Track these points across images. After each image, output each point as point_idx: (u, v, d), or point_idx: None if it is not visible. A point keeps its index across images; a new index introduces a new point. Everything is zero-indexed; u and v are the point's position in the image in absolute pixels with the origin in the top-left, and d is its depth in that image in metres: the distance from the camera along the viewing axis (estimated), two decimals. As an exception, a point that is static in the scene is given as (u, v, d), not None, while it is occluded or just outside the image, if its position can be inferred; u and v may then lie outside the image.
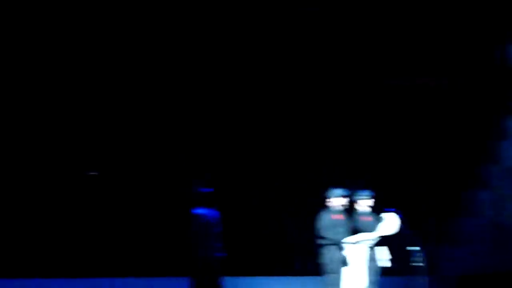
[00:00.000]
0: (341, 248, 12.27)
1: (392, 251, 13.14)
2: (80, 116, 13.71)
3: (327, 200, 12.70)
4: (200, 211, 12.45)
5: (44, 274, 11.94)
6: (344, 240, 12.29)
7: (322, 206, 12.75)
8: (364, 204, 12.76)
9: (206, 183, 12.99)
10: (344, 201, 12.65)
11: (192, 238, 12.40)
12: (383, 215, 12.63)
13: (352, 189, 12.96)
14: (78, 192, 13.57)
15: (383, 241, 12.70)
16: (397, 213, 12.84)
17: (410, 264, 12.78)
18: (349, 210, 12.86)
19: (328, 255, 12.31)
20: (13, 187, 12.55)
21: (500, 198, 18.80)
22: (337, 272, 12.23)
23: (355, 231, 12.58)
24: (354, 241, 12.26)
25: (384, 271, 12.82)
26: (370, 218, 12.77)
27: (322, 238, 12.38)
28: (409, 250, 12.73)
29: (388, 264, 12.60)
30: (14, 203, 12.47)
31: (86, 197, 13.64)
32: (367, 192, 12.75)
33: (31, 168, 12.98)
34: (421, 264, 12.64)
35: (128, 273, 13.13)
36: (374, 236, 12.41)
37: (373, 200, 12.90)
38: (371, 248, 12.50)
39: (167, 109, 14.61)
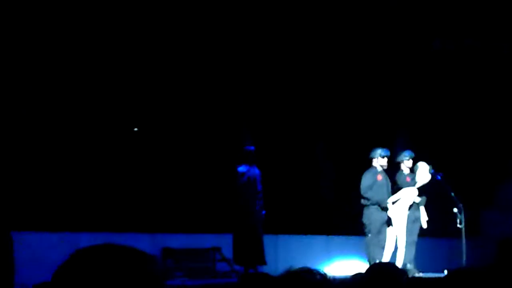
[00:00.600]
0: (382, 208, 12.29)
1: (433, 213, 13.14)
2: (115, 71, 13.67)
3: (370, 160, 12.69)
4: (242, 168, 12.51)
5: (85, 228, 12.05)
6: (386, 200, 12.30)
7: (365, 166, 12.76)
8: (406, 165, 12.73)
9: (249, 141, 13.03)
10: (386, 161, 12.64)
11: (234, 195, 12.49)
12: (417, 164, 12.60)
13: (395, 150, 12.96)
14: (118, 148, 13.61)
15: (424, 202, 12.69)
16: (441, 176, 12.81)
17: (452, 226, 12.72)
18: (391, 171, 12.87)
19: (369, 215, 12.34)
20: (51, 141, 12.60)
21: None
22: (379, 232, 12.26)
23: (396, 191, 12.59)
24: (394, 201, 12.26)
25: (423, 231, 12.83)
26: (411, 179, 12.75)
27: (365, 198, 12.40)
28: (451, 213, 12.66)
29: (425, 225, 12.59)
30: (54, 158, 12.53)
31: (127, 153, 13.68)
32: (409, 153, 12.70)
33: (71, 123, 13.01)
34: (461, 226, 12.57)
35: (170, 229, 13.23)
36: (412, 192, 12.37)
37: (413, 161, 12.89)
38: (411, 208, 12.49)
39: (210, 62, 14.56)
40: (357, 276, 4.88)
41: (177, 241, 13.19)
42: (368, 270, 4.72)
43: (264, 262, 12.29)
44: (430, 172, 12.49)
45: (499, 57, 18.53)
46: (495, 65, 18.38)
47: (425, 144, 14.97)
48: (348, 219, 14.22)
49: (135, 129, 14.24)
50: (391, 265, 4.76)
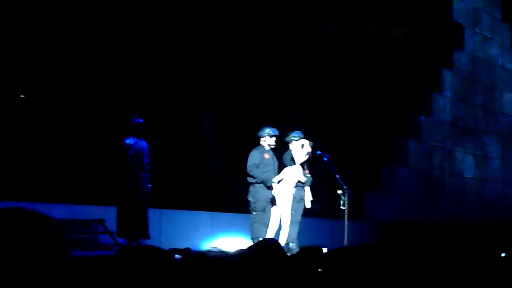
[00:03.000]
0: (268, 187, 12.34)
1: (318, 194, 13.29)
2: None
3: (258, 138, 12.71)
4: (130, 140, 12.36)
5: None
6: (270, 179, 12.34)
7: (253, 144, 12.78)
8: (295, 145, 12.78)
9: (137, 114, 12.89)
10: (274, 140, 12.68)
11: (120, 168, 12.33)
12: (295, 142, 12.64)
13: (285, 129, 13.01)
14: (3, 114, 13.26)
15: (310, 182, 12.80)
16: (327, 157, 12.94)
17: (337, 207, 12.89)
18: (279, 150, 12.92)
19: (255, 193, 12.38)
20: None
21: (429, 149, 19.09)
22: (263, 211, 12.32)
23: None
24: (279, 180, 12.31)
25: (307, 211, 12.96)
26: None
27: (251, 176, 12.43)
28: (336, 194, 12.81)
29: (309, 205, 12.69)
30: None
31: (12, 120, 13.35)
32: (298, 134, 12.75)
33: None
34: (344, 208, 12.74)
35: (53, 199, 12.97)
36: (296, 170, 12.43)
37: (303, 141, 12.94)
38: (297, 188, 12.56)
39: (95, 31, 14.31)
40: (242, 252, 4.87)
41: (60, 211, 12.93)
42: (253, 246, 4.72)
43: (147, 236, 12.21)
44: (310, 145, 12.50)
45: (388, 42, 18.88)
46: (385, 50, 18.71)
47: (315, 125, 15.10)
48: (234, 197, 14.25)
49: (22, 95, 13.89)
50: (275, 242, 4.76)
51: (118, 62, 14.43)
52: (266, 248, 4.71)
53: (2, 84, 13.40)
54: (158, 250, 3.40)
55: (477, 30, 20.90)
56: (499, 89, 21.39)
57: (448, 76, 19.76)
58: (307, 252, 4.96)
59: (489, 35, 21.30)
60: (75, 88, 14.06)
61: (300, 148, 12.38)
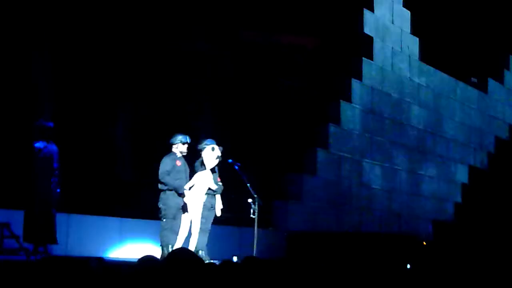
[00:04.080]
0: (179, 194, 12.29)
1: (229, 202, 13.30)
2: None
3: (170, 145, 12.67)
4: (39, 144, 12.14)
5: None
6: (182, 186, 12.30)
7: (164, 151, 12.72)
8: (205, 152, 12.74)
9: (46, 117, 12.67)
10: (186, 147, 12.65)
11: (29, 172, 12.10)
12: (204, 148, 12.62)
13: (199, 137, 12.99)
14: None
15: (221, 190, 12.80)
16: (238, 165, 12.96)
17: (247, 215, 12.92)
18: (190, 157, 12.89)
19: (166, 200, 12.33)
20: None
21: (337, 159, 19.29)
22: (174, 218, 12.27)
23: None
24: (190, 186, 12.28)
25: (217, 219, 12.96)
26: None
27: (162, 183, 12.37)
28: (246, 202, 12.84)
29: (220, 213, 12.70)
30: None
31: None
32: (210, 141, 12.73)
33: None
34: (254, 216, 12.78)
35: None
36: (206, 176, 12.40)
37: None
38: (208, 196, 12.55)
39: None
40: (149, 261, 4.75)
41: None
42: (168, 256, 4.67)
43: (55, 241, 12.01)
44: (219, 157, 12.50)
45: (298, 52, 19.05)
46: (294, 59, 18.87)
47: (225, 133, 15.11)
48: (143, 203, 14.15)
49: None
50: (189, 251, 4.72)
51: (28, 64, 14.16)
52: (181, 257, 4.67)
53: None
54: (74, 260, 3.35)
55: (387, 43, 21.26)
56: (407, 102, 21.79)
57: (357, 87, 20.01)
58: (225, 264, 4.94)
59: (398, 49, 21.70)
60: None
61: (210, 152, 12.35)
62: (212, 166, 12.41)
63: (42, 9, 14.44)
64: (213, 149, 12.39)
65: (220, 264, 5.03)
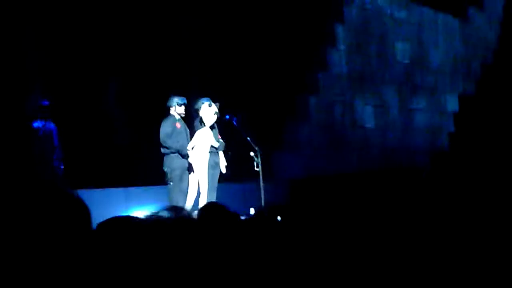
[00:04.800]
0: (183, 156, 12.35)
1: (231, 157, 13.36)
2: None
3: (167, 108, 12.69)
4: (37, 123, 12.15)
5: None
6: (185, 147, 12.36)
7: (162, 114, 12.74)
8: (203, 110, 12.77)
9: (42, 96, 12.66)
10: (183, 109, 12.68)
11: (29, 151, 12.12)
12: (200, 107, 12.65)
13: (194, 97, 13.02)
14: None
15: (223, 147, 12.86)
16: (235, 119, 13.02)
17: (250, 169, 13.00)
18: (189, 118, 12.93)
19: (170, 163, 12.38)
20: None
21: (329, 103, 19.37)
22: (180, 180, 12.34)
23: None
24: (192, 146, 12.34)
25: (222, 176, 13.02)
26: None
27: (164, 147, 12.41)
28: (249, 156, 12.92)
29: (224, 170, 12.78)
30: None
31: None
32: (207, 100, 12.77)
33: None
34: (258, 169, 12.87)
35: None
36: (206, 133, 12.46)
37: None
38: (211, 154, 12.61)
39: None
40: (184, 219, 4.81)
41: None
42: (200, 212, 4.71)
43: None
44: (216, 106, 12.57)
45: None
46: (275, 8, 18.77)
47: (219, 89, 15.09)
48: (146, 169, 14.18)
49: None
50: (221, 206, 4.78)
51: (16, 41, 14.06)
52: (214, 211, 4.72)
53: None
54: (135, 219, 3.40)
55: (364, -18, 21.22)
56: (391, 38, 21.80)
57: (340, 30, 20.02)
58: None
59: (376, -14, 21.66)
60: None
61: (207, 108, 12.40)
62: (211, 123, 12.47)
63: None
64: (210, 105, 12.44)
65: (255, 217, 5.10)
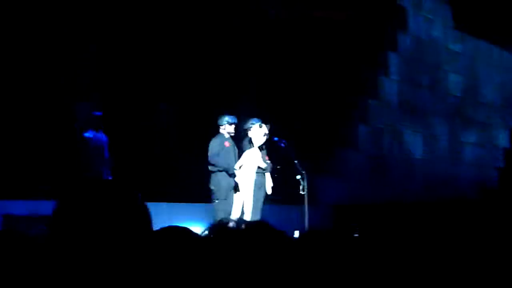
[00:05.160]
0: (230, 175, 12.40)
1: (277, 180, 13.37)
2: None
3: (217, 127, 12.77)
4: (89, 134, 12.29)
5: None
6: (232, 166, 12.41)
7: (213, 132, 12.82)
8: (253, 130, 12.84)
9: (95, 106, 12.82)
10: (233, 128, 12.75)
11: (80, 162, 12.25)
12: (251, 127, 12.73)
13: (244, 117, 13.08)
14: None
15: (270, 169, 12.88)
16: (284, 142, 13.04)
17: (295, 192, 12.99)
18: (238, 137, 12.99)
19: (217, 181, 12.44)
20: None
21: (378, 131, 19.32)
22: (226, 198, 12.38)
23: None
24: (240, 165, 12.39)
25: (268, 197, 13.03)
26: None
27: (212, 164, 12.48)
28: (295, 179, 12.91)
29: (270, 191, 12.80)
30: None
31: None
32: (256, 121, 12.84)
33: None
34: (304, 193, 12.85)
35: (11, 195, 12.83)
36: (255, 154, 12.51)
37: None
38: (257, 174, 12.64)
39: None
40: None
41: (18, 207, 12.81)
42: (245, 229, 4.73)
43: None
44: (266, 135, 12.63)
45: (331, 26, 19.01)
46: (328, 34, 18.83)
47: (269, 112, 15.15)
48: (192, 186, 14.24)
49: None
50: (267, 224, 4.77)
51: (73, 55, 14.28)
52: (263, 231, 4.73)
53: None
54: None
55: (420, 12, 21.17)
56: (444, 70, 21.71)
57: (393, 59, 19.99)
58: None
59: (431, 17, 21.59)
60: (31, 83, 13.89)
61: (258, 129, 12.47)
62: (260, 144, 12.52)
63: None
64: (260, 126, 12.51)
65: (300, 237, 5.11)
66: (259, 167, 12.56)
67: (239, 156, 12.67)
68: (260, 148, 12.62)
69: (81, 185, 2.29)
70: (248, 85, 16.78)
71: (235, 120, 12.71)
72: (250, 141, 12.58)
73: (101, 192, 2.26)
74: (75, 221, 2.20)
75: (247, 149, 12.65)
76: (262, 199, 12.77)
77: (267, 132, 12.59)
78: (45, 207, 12.71)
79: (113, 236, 2.19)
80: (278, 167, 13.22)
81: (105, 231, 2.19)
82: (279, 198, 14.17)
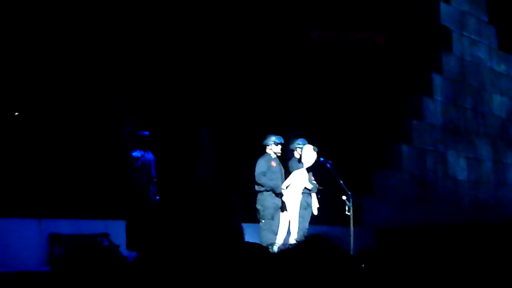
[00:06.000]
0: (276, 194, 12.37)
1: (322, 201, 13.32)
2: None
3: (264, 147, 12.75)
4: (136, 153, 12.33)
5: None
6: (280, 186, 12.39)
7: (259, 152, 12.80)
8: (299, 152, 12.86)
9: (142, 127, 12.88)
10: (280, 148, 12.73)
11: (128, 181, 12.29)
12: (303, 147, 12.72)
13: (289, 137, 13.08)
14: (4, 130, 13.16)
15: (316, 189, 12.84)
16: (330, 163, 12.99)
17: (340, 213, 12.93)
18: (284, 157, 12.97)
19: (263, 201, 12.40)
20: None
21: (421, 153, 19.19)
22: (272, 218, 12.33)
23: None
24: (286, 186, 12.36)
25: (314, 218, 12.99)
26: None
27: (259, 184, 12.45)
28: (340, 200, 12.85)
29: (316, 212, 12.77)
30: None
31: (10, 138, 13.25)
32: (302, 141, 12.83)
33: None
34: (349, 213, 12.79)
35: (57, 214, 12.92)
36: (302, 174, 12.48)
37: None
38: (303, 195, 12.61)
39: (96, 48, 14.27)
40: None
41: (66, 226, 12.88)
42: (304, 244, 4.68)
43: (158, 248, 12.14)
44: (315, 150, 12.62)
45: (376, 48, 18.98)
46: (373, 56, 18.81)
47: (313, 132, 15.14)
48: (237, 206, 14.22)
49: (16, 113, 13.79)
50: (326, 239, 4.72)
51: (118, 76, 14.37)
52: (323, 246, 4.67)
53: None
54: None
55: (465, 33, 21.07)
56: (488, 91, 21.56)
57: (437, 80, 19.90)
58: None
59: (476, 38, 21.47)
60: (79, 102, 13.99)
61: (311, 151, 12.48)
62: (310, 165, 12.51)
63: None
64: (315, 149, 12.53)
65: (357, 255, 5.05)
66: (305, 188, 12.52)
67: (286, 176, 12.64)
68: (308, 169, 12.60)
69: (174, 200, 2.26)
70: (292, 106, 16.77)
71: (282, 140, 12.68)
72: (299, 161, 12.57)
73: (197, 208, 2.23)
74: (169, 237, 2.18)
75: (295, 169, 12.63)
76: (308, 219, 12.73)
77: (316, 156, 12.63)
78: (90, 226, 12.83)
79: (208, 252, 2.16)
80: (320, 187, 13.16)
81: (201, 248, 2.16)
82: (324, 219, 14.10)
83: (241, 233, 2.30)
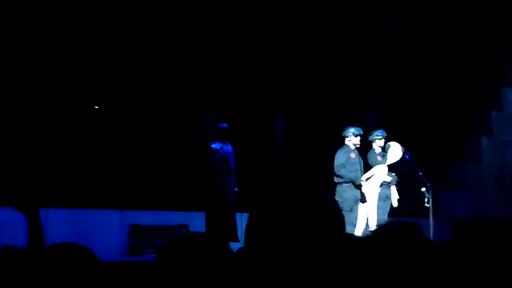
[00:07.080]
0: (356, 186, 12.37)
1: (402, 192, 13.25)
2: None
3: (343, 138, 12.75)
4: (215, 145, 12.45)
5: (55, 204, 11.88)
6: (359, 178, 12.39)
7: (338, 144, 12.80)
8: (378, 144, 12.83)
9: (219, 119, 13.01)
10: (359, 139, 12.71)
11: (207, 172, 12.42)
12: (388, 143, 12.74)
13: (367, 128, 13.06)
14: (80, 126, 13.39)
15: (395, 181, 12.80)
16: (409, 155, 12.94)
17: (419, 205, 12.86)
18: (363, 149, 12.95)
19: (342, 192, 12.39)
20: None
21: (501, 144, 18.90)
22: (351, 210, 12.32)
23: (368, 170, 12.69)
24: (368, 177, 12.37)
25: (392, 210, 12.94)
26: (382, 158, 12.88)
27: (338, 176, 12.45)
28: (420, 192, 12.78)
29: (396, 204, 12.72)
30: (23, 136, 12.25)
31: (93, 131, 13.49)
32: (381, 132, 12.80)
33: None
34: (429, 205, 12.71)
35: (138, 206, 13.14)
36: (383, 170, 12.47)
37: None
38: (382, 187, 12.59)
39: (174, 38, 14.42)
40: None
41: (146, 218, 13.10)
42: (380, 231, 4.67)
43: (237, 239, 12.27)
44: (402, 150, 12.62)
45: (452, 38, 18.76)
46: (448, 46, 18.59)
47: (392, 123, 15.06)
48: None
49: (96, 107, 14.03)
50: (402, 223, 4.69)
51: (199, 68, 14.52)
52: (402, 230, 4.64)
53: (79, 96, 13.53)
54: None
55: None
56: None
57: (516, 69, 19.54)
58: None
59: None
60: (159, 95, 14.17)
61: (399, 150, 12.49)
62: (392, 162, 12.52)
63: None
64: (402, 149, 12.53)
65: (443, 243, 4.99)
66: (384, 180, 12.51)
67: (364, 167, 12.62)
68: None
69: (275, 196, 2.28)
70: (370, 97, 16.71)
71: (361, 132, 12.67)
72: (382, 155, 12.57)
73: (294, 204, 2.24)
74: (269, 233, 2.19)
75: (373, 160, 12.63)
76: (387, 211, 12.70)
77: (400, 151, 12.62)
78: (170, 217, 13.01)
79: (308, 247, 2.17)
80: (398, 180, 13.09)
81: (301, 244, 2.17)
82: (404, 211, 14.03)
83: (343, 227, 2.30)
